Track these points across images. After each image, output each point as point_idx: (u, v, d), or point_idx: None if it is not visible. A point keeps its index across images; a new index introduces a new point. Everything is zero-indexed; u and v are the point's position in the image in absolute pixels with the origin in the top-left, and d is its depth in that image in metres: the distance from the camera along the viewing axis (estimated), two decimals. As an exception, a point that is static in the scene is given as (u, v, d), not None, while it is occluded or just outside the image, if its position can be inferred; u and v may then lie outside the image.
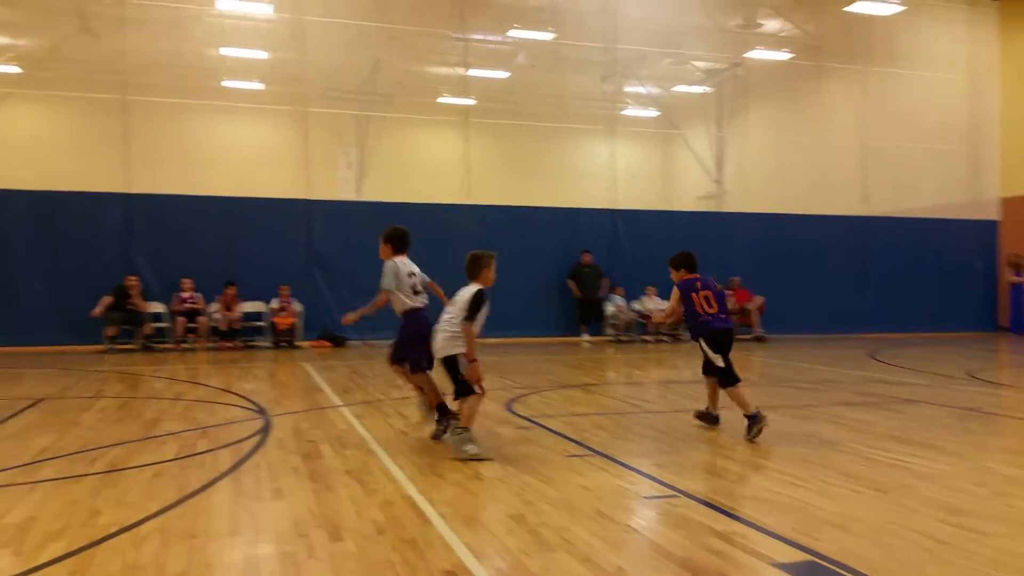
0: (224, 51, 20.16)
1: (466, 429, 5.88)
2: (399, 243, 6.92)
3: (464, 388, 5.93)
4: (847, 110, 19.92)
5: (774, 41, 20.40)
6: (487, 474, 5.40)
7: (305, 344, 15.08)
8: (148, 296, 14.41)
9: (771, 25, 20.27)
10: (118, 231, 14.63)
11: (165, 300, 14.64)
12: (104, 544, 3.97)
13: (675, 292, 6.99)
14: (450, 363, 5.95)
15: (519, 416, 7.70)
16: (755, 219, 18.62)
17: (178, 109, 18.52)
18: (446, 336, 6.00)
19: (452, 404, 6.23)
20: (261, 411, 7.86)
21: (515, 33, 18.65)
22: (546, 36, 18.80)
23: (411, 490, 4.99)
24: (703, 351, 6.85)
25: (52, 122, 21.09)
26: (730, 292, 17.38)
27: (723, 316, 6.83)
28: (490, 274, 6.16)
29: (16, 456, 5.82)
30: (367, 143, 20.12)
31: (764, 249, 18.22)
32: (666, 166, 23.78)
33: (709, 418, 7.06)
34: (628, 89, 20.93)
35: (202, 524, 4.34)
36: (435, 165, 18.56)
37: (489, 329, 16.36)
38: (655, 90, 21.65)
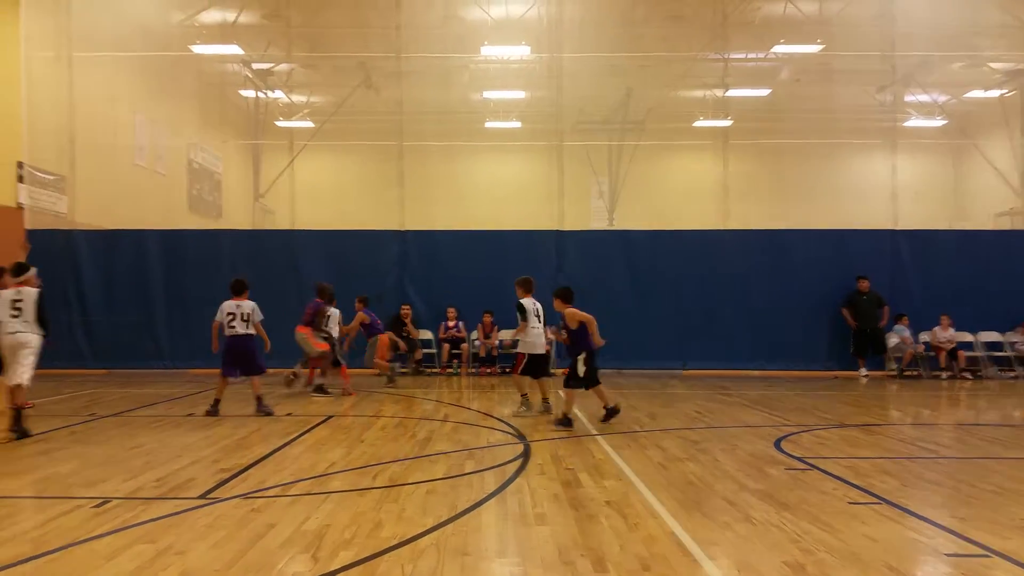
0: (487, 94, 21.57)
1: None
2: (236, 287, 9.66)
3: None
4: None
5: (1094, 32, 17.48)
6: (758, 516, 5.00)
7: (558, 372, 15.28)
8: (419, 324, 15.54)
9: (1090, 13, 17.38)
10: (394, 264, 15.97)
11: (433, 328, 15.69)
12: (387, 555, 4.21)
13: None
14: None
15: (791, 456, 7.08)
16: (1071, 237, 15.86)
17: (446, 151, 20.05)
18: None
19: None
20: (520, 436, 8.02)
21: (779, 49, 17.76)
22: (813, 49, 17.68)
23: (675, 527, 4.76)
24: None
25: (339, 169, 23.93)
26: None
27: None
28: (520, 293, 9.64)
29: (312, 467, 6.45)
30: (618, 172, 20.28)
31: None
32: (957, 180, 21.14)
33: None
34: (909, 98, 19.02)
35: (473, 542, 4.45)
36: (690, 190, 18.16)
37: (754, 361, 15.57)
38: (942, 97, 19.42)
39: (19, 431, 7.82)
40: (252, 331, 9.53)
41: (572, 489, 5.69)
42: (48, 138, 16.06)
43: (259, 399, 9.53)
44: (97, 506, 5.13)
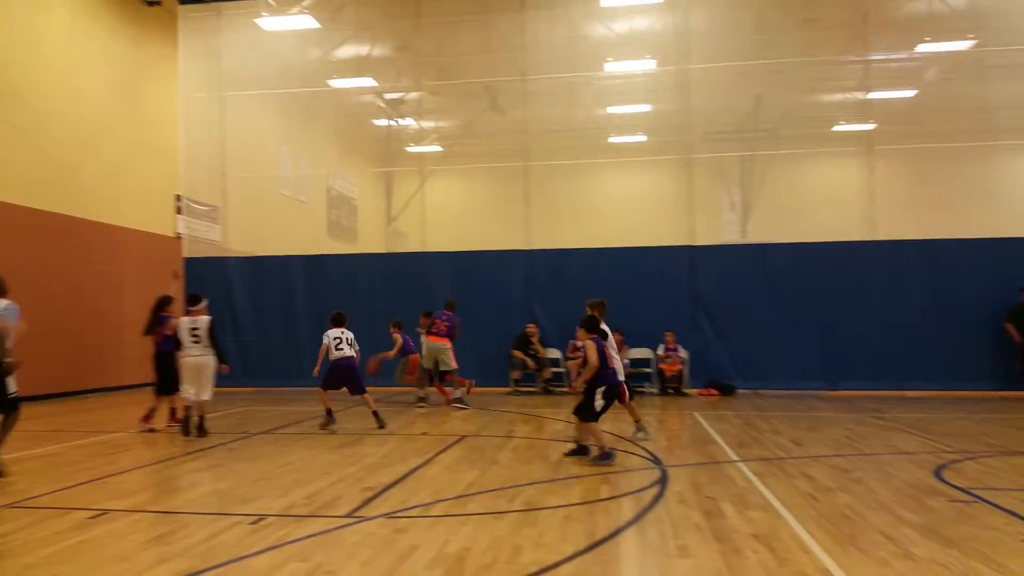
0: (611, 109, 21.49)
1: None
2: (338, 319, 10.58)
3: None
4: None
5: None
6: (920, 553, 4.63)
7: (693, 391, 14.93)
8: (546, 343, 15.58)
9: None
10: (520, 284, 16.12)
11: (561, 347, 15.68)
12: (528, 583, 4.18)
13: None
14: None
15: (953, 487, 6.53)
16: None
17: (571, 169, 20.11)
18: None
19: None
20: (656, 461, 7.83)
21: (925, 47, 16.64)
22: (964, 45, 16.41)
23: (829, 563, 4.48)
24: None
25: (467, 190, 24.50)
26: None
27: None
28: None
29: (449, 488, 6.55)
30: (751, 183, 19.63)
31: None
32: None
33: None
34: (1076, 91, 17.28)
35: (613, 574, 4.35)
36: (831, 199, 17.23)
37: (908, 380, 14.57)
38: (1116, 88, 17.51)
39: (200, 431, 9.50)
40: (355, 354, 10.39)
41: (715, 520, 5.48)
42: (202, 172, 17.40)
43: (376, 413, 10.24)
44: (253, 523, 5.42)
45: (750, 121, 19.81)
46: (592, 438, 7.84)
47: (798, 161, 20.07)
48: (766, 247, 15.73)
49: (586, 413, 7.77)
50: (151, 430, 10.06)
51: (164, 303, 10.50)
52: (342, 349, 10.30)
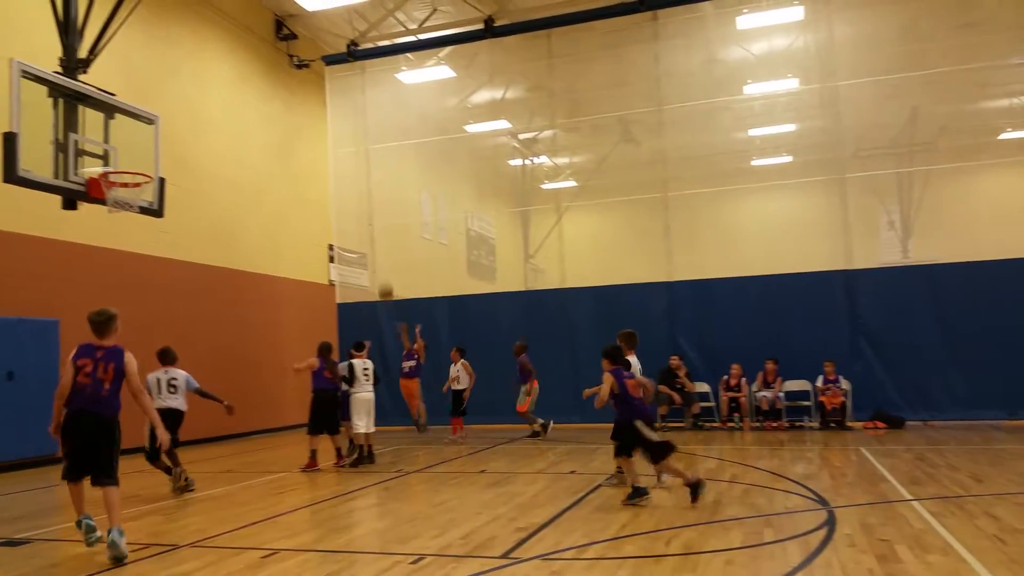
0: (752, 132, 20.89)
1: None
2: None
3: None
4: None
5: None
6: None
7: (857, 425, 13.97)
8: (693, 376, 15.09)
9: None
10: (664, 316, 15.75)
11: (711, 380, 15.12)
12: (692, 635, 3.99)
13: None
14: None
15: None
16: None
17: (711, 196, 19.60)
18: None
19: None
20: (821, 501, 7.34)
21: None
22: None
23: (1030, 618, 3.99)
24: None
25: (604, 225, 24.46)
26: None
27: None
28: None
29: (603, 530, 6.42)
30: (911, 200, 18.41)
31: None
32: None
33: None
34: None
35: (784, 628, 4.08)
36: (1000, 213, 15.84)
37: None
38: None
39: (370, 459, 11.05)
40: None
41: (890, 564, 5.05)
42: (351, 221, 18.40)
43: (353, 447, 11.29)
44: (414, 562, 5.53)
45: (906, 135, 18.64)
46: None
47: (961, 174, 18.63)
48: (931, 267, 14.62)
49: (657, 455, 7.54)
50: (315, 470, 10.60)
51: (330, 349, 11.24)
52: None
